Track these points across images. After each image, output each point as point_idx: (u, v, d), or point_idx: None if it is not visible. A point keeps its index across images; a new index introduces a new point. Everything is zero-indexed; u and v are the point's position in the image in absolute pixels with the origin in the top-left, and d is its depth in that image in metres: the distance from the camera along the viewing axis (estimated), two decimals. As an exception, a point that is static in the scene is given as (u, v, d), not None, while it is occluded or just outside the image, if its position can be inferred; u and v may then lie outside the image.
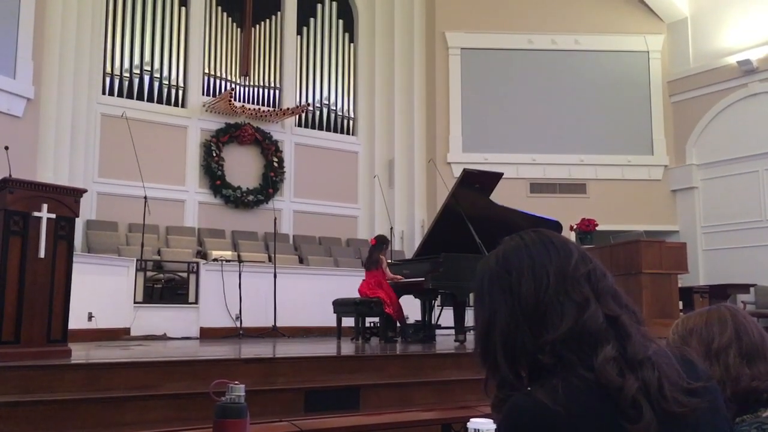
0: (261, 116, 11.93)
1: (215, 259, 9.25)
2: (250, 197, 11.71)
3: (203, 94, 11.70)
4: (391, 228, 11.76)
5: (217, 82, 11.84)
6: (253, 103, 12.08)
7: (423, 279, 7.02)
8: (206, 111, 11.62)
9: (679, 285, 8.78)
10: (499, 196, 7.76)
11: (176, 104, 11.48)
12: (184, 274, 8.88)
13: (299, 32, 12.76)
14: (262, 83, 12.26)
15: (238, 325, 8.60)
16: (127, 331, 8.10)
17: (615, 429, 1.00)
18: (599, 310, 1.08)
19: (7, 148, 6.41)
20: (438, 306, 7.98)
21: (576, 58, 12.99)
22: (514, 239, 1.19)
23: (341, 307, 7.67)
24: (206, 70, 11.80)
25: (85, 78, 10.56)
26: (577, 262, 1.13)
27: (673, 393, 1.03)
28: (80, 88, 10.46)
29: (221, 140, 11.64)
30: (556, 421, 1.00)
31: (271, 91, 12.33)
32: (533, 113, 12.76)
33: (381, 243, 7.70)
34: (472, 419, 1.84)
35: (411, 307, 8.01)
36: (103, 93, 10.89)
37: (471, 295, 9.34)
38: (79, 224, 7.79)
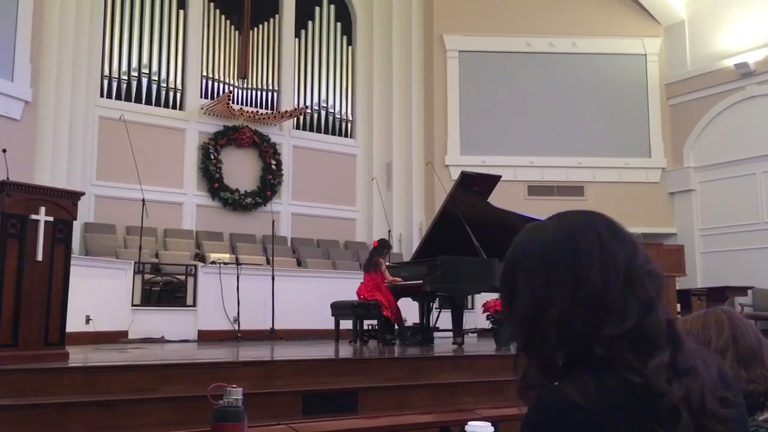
0: (259, 119, 11.93)
1: (213, 262, 9.24)
2: (248, 200, 11.70)
3: (201, 97, 11.70)
4: (389, 230, 11.76)
5: (215, 84, 11.84)
6: (251, 105, 12.08)
7: (421, 282, 7.02)
8: (204, 114, 11.61)
9: (677, 287, 8.79)
10: (497, 198, 7.77)
11: (174, 107, 11.48)
12: (182, 277, 8.87)
13: (297, 35, 12.77)
14: (260, 86, 12.27)
15: (236, 328, 8.59)
16: (124, 333, 8.09)
17: None
18: (663, 313, 1.04)
19: (4, 150, 6.43)
20: (436, 308, 7.98)
21: (573, 61, 13.01)
22: (578, 216, 1.10)
23: (339, 309, 7.67)
24: (204, 73, 11.80)
25: (83, 81, 10.55)
26: (643, 258, 1.07)
27: (713, 406, 1.01)
28: (78, 91, 10.44)
29: (219, 143, 11.63)
30: (586, 419, 0.96)
31: (270, 94, 12.34)
32: (531, 116, 12.78)
33: (382, 246, 7.72)
34: (470, 422, 1.84)
35: (409, 310, 8.01)
36: (101, 96, 10.89)
37: (469, 298, 9.37)
38: (76, 227, 7.78)
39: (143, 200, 9.49)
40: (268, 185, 11.86)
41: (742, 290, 10.27)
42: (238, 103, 11.86)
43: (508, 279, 1.10)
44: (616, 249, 1.05)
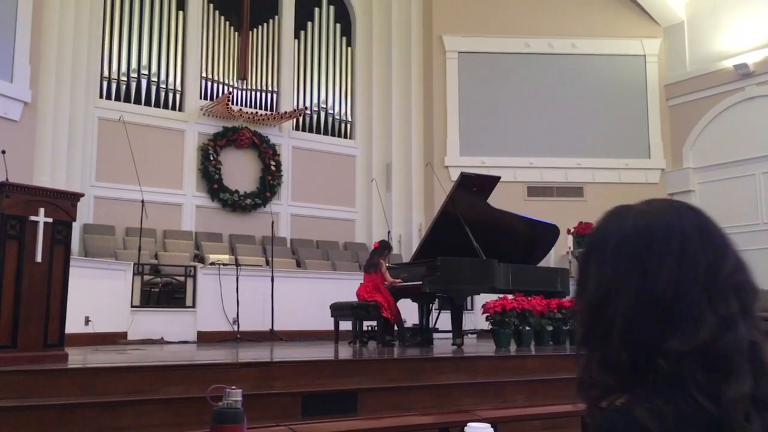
0: (258, 120, 11.93)
1: (212, 263, 9.23)
2: (248, 201, 11.70)
3: (201, 98, 11.70)
4: (389, 231, 11.76)
5: (215, 85, 11.84)
6: (250, 106, 12.08)
7: (420, 282, 7.02)
8: (204, 115, 11.61)
9: (677, 288, 8.77)
10: (497, 199, 7.77)
11: (174, 108, 11.47)
12: (182, 278, 8.86)
13: (297, 36, 12.77)
14: (259, 87, 12.27)
15: (236, 329, 8.59)
16: (124, 335, 8.09)
17: None
18: (746, 335, 0.89)
19: (3, 152, 6.42)
20: (436, 309, 7.98)
21: (573, 62, 13.02)
22: (665, 206, 0.98)
23: (339, 310, 7.67)
24: (204, 74, 11.80)
25: (82, 82, 10.55)
26: (732, 267, 0.95)
27: None
28: (77, 92, 10.44)
29: (219, 144, 11.63)
30: None
31: (269, 95, 12.34)
32: (530, 117, 12.78)
33: (383, 248, 7.73)
34: (469, 423, 1.84)
35: (409, 311, 8.01)
36: (101, 97, 10.89)
37: (469, 299, 9.37)
38: (76, 228, 7.76)
39: (142, 201, 9.49)
40: (268, 186, 11.85)
41: (741, 291, 10.26)
42: (237, 104, 11.86)
43: (583, 264, 1.01)
44: (698, 250, 0.93)
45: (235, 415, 2.01)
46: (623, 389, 0.91)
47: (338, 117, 12.94)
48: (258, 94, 12.24)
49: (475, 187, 7.37)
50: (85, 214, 10.07)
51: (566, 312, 7.42)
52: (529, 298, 7.10)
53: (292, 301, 9.15)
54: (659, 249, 0.93)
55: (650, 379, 0.89)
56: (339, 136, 12.92)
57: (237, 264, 9.27)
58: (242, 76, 12.10)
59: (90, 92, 10.73)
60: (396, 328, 7.50)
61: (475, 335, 8.77)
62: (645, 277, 0.92)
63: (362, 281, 7.56)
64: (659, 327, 0.90)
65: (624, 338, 0.92)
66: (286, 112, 12.16)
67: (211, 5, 12.02)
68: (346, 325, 7.69)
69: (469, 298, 9.33)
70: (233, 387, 2.05)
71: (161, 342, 8.15)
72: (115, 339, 7.88)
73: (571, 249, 11.45)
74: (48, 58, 9.94)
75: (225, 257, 9.78)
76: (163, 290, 8.78)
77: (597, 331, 0.95)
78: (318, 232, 12.20)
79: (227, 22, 12.14)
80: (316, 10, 13.03)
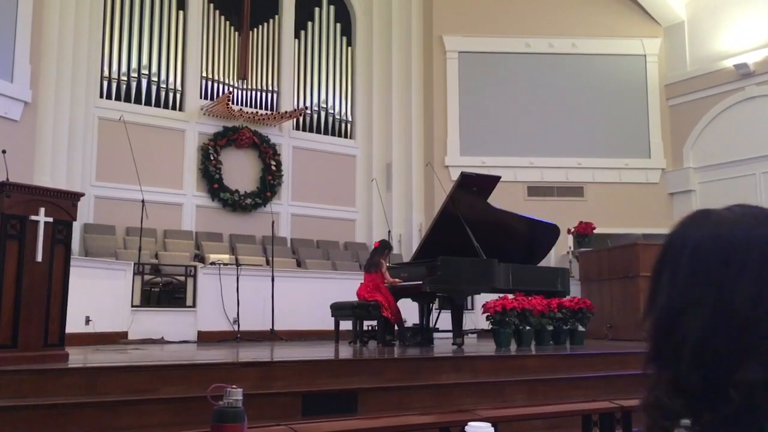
0: (259, 120, 11.93)
1: (213, 263, 9.23)
2: (248, 201, 11.70)
3: (201, 98, 11.70)
4: (389, 231, 11.76)
5: (215, 85, 11.84)
6: (251, 106, 12.08)
7: (421, 282, 7.02)
8: (204, 114, 11.61)
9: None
10: (497, 199, 7.77)
11: (174, 108, 11.47)
12: (182, 278, 8.86)
13: (297, 36, 12.77)
14: (260, 87, 12.27)
15: (236, 329, 8.59)
16: (124, 334, 8.09)
17: None
18: None
19: (4, 151, 6.43)
20: (436, 309, 7.98)
21: (573, 62, 13.01)
22: (747, 217, 0.87)
23: (339, 310, 7.67)
24: (204, 74, 11.80)
25: (82, 82, 10.55)
26: None
27: None
28: (78, 92, 10.45)
29: (219, 144, 11.63)
30: None
31: (269, 95, 12.34)
32: (531, 116, 12.78)
33: (383, 247, 7.73)
34: (470, 423, 1.84)
35: (409, 311, 8.01)
36: (101, 97, 10.89)
37: (469, 298, 9.37)
38: (76, 228, 7.78)
39: (143, 201, 9.49)
40: (268, 186, 11.85)
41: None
42: (237, 104, 11.86)
43: (655, 274, 0.92)
44: None
45: (236, 415, 2.01)
46: (690, 413, 0.83)
47: (338, 117, 12.94)
48: (258, 93, 12.24)
49: (475, 186, 7.37)
50: (85, 213, 10.08)
51: (566, 312, 7.43)
52: (530, 298, 7.10)
53: (293, 301, 9.15)
54: (737, 263, 0.83)
55: (721, 406, 0.80)
56: (339, 135, 12.92)
57: (237, 264, 9.27)
58: (242, 75, 12.10)
59: (90, 92, 10.74)
60: (396, 327, 7.50)
61: (475, 335, 8.77)
62: (720, 294, 0.82)
63: (362, 281, 7.56)
64: (734, 351, 0.81)
65: (696, 360, 0.83)
66: (286, 112, 12.16)
67: (212, 5, 12.03)
68: (346, 325, 7.70)
69: (469, 298, 9.32)
70: (234, 386, 2.05)
71: (161, 342, 8.15)
72: (116, 339, 7.88)
73: (571, 249, 11.46)
74: (48, 58, 9.94)
75: (225, 257, 9.78)
76: (164, 290, 8.78)
77: (667, 350, 0.87)
78: (318, 232, 12.20)
79: (227, 22, 12.14)
80: (316, 10, 13.03)
